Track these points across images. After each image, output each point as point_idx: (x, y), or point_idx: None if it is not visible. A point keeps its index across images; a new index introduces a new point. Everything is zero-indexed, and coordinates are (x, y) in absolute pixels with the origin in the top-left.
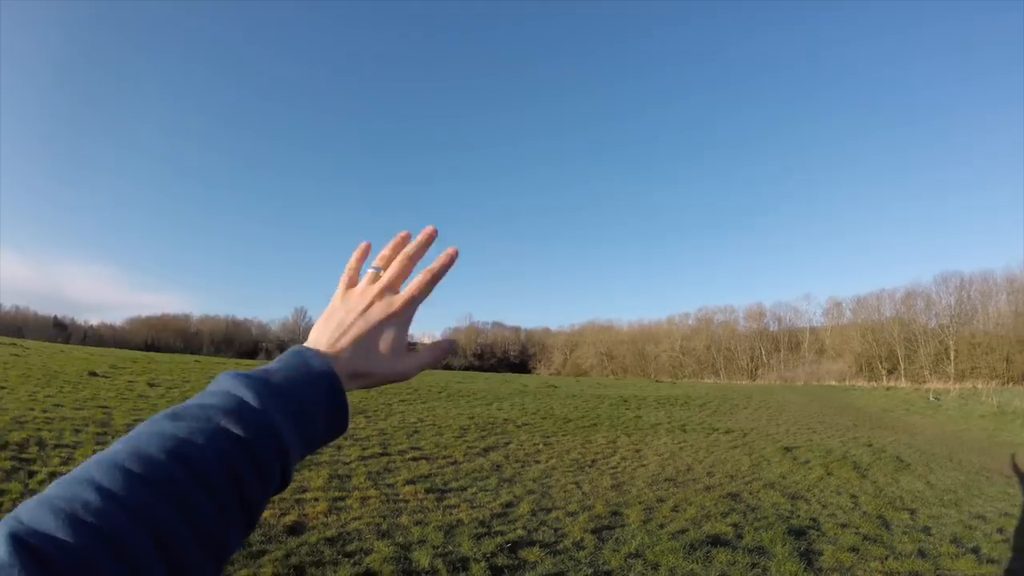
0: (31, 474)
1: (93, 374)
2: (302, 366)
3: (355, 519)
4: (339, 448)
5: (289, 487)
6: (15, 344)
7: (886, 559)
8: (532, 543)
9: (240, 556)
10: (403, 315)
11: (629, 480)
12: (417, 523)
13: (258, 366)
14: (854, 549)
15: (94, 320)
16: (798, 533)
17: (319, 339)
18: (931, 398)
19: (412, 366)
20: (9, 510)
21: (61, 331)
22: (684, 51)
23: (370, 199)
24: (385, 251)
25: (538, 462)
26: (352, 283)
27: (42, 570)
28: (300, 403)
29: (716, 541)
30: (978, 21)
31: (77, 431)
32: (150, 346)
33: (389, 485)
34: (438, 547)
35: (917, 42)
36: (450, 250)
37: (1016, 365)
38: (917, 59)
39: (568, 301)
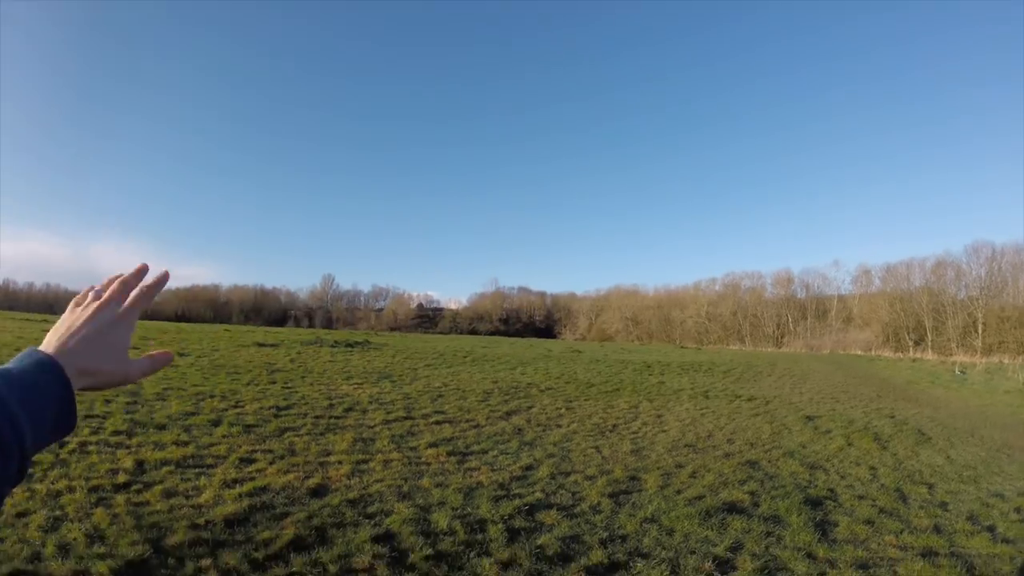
0: (62, 444)
1: None
2: (33, 362)
3: (377, 481)
4: (364, 412)
5: (313, 450)
6: (46, 320)
7: (901, 533)
8: (550, 506)
9: (263, 518)
10: (126, 319)
11: (649, 445)
12: (438, 485)
13: (285, 333)
14: (870, 522)
15: None
16: (815, 503)
17: (50, 341)
18: (957, 371)
19: (135, 370)
20: (43, 483)
21: None
22: (698, 16)
23: (399, 164)
24: (106, 280)
25: (559, 426)
26: (85, 299)
27: None
28: (32, 391)
29: (732, 508)
30: None
31: (108, 401)
32: (180, 317)
33: (412, 448)
34: (457, 509)
35: (953, 6)
36: (163, 272)
37: None
38: (953, 26)
39: (594, 266)
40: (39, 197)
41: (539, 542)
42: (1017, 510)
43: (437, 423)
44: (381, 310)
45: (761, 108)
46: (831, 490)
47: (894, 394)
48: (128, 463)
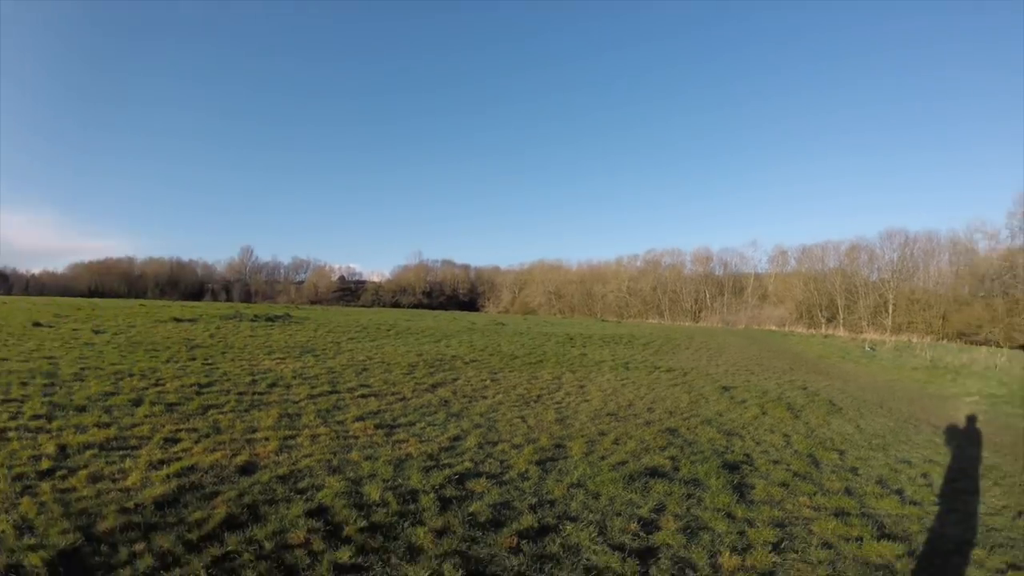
0: None
1: (37, 324)
2: None
3: (306, 456)
4: (288, 387)
5: (239, 427)
6: None
7: (814, 495)
8: (479, 475)
9: (194, 498)
10: None
11: (572, 415)
12: (367, 458)
13: (203, 307)
14: (784, 484)
15: (36, 269)
16: (732, 467)
17: None
18: (867, 348)
19: None
20: None
21: (3, 282)
22: None
23: (319, 136)
24: None
25: (485, 397)
26: None
27: None
28: None
29: (654, 473)
30: None
31: (24, 384)
32: (94, 292)
33: (339, 422)
34: (388, 480)
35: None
36: None
37: (951, 323)
38: (890, 19)
39: (519, 241)
40: None
41: (471, 509)
42: (924, 475)
43: (363, 396)
44: (302, 283)
45: (689, 88)
46: (747, 455)
47: (806, 367)
48: (50, 448)
